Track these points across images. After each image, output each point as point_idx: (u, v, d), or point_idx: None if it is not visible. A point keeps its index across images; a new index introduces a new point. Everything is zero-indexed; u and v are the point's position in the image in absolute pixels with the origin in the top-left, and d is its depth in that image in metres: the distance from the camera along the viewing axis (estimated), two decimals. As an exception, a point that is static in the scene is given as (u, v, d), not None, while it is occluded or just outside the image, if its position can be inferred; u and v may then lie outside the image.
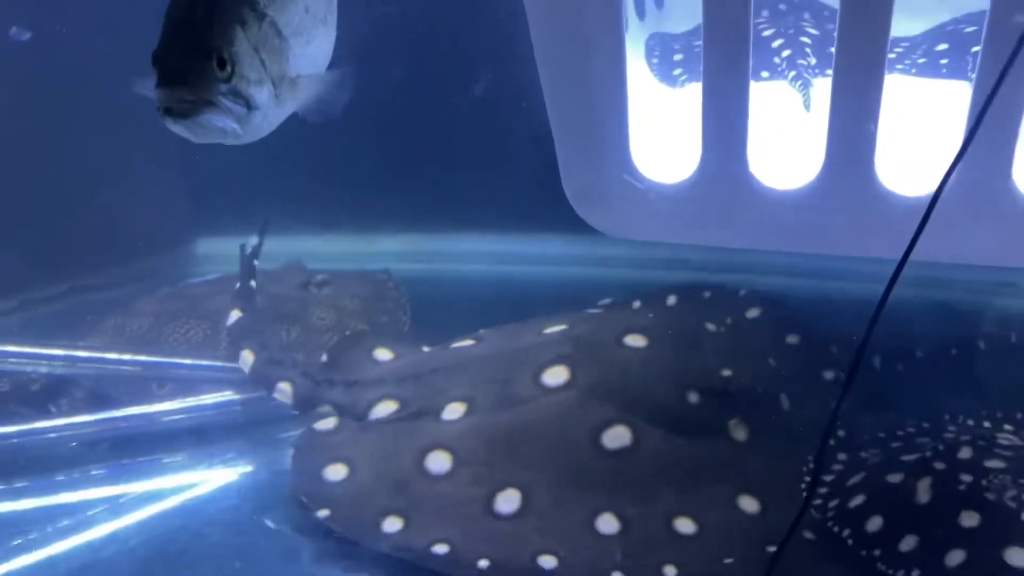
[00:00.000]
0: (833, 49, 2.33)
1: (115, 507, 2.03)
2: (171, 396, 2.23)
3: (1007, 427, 1.70)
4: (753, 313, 1.77)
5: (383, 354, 2.19)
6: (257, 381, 2.11)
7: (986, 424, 1.72)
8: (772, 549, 1.30)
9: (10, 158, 2.62)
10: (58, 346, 2.25)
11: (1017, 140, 1.43)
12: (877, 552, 1.41)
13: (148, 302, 2.54)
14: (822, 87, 2.21)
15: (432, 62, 2.76)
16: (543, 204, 2.17)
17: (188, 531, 1.89)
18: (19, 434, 2.12)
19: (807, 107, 2.06)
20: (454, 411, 1.81)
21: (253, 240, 2.34)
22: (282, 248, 2.94)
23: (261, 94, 1.37)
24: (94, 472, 2.14)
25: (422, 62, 2.76)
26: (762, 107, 1.49)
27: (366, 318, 2.58)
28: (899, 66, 1.99)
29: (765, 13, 2.10)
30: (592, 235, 2.02)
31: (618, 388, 1.74)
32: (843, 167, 1.41)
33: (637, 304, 1.95)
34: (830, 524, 1.48)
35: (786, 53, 2.31)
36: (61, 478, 2.11)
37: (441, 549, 1.55)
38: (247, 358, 2.11)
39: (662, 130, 1.69)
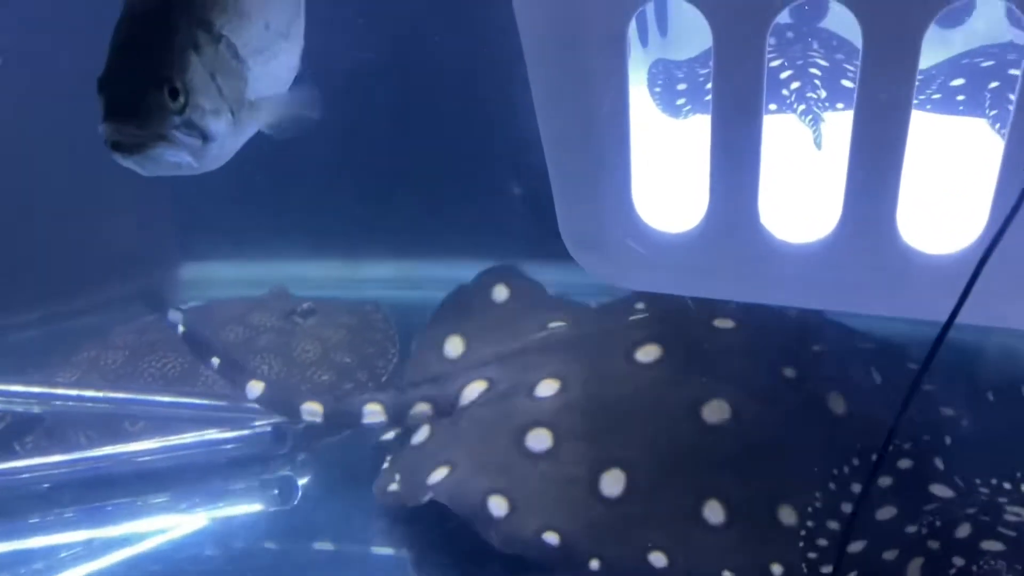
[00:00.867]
0: (845, 82, 2.27)
1: (88, 551, 1.97)
2: (144, 435, 2.13)
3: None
4: None
5: (455, 346, 2.16)
6: (338, 420, 2.04)
7: (1006, 485, 1.63)
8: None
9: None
10: (26, 382, 2.15)
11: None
12: None
13: (125, 333, 2.44)
14: (832, 120, 2.12)
15: (427, 85, 2.68)
16: (538, 231, 2.09)
17: (163, 578, 1.80)
18: (-14, 475, 2.03)
19: (818, 145, 1.96)
20: (548, 387, 1.78)
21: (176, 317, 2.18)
22: (269, 273, 2.86)
23: (218, 123, 1.26)
24: (66, 515, 2.05)
25: (416, 86, 2.68)
26: (771, 146, 1.39)
27: (353, 350, 2.49)
28: (913, 101, 1.89)
29: (772, 42, 1.99)
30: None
31: (713, 364, 1.73)
32: (862, 222, 1.32)
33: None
34: None
35: (795, 85, 2.21)
36: (34, 520, 2.03)
37: (551, 539, 1.55)
38: (314, 408, 2.02)
39: (665, 170, 1.59)
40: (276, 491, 2.11)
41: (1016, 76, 1.28)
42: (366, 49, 2.55)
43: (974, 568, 1.36)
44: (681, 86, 2.38)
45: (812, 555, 1.50)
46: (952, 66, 2.26)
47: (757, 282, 1.42)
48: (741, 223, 1.37)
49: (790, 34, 2.52)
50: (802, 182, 1.64)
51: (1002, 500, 1.54)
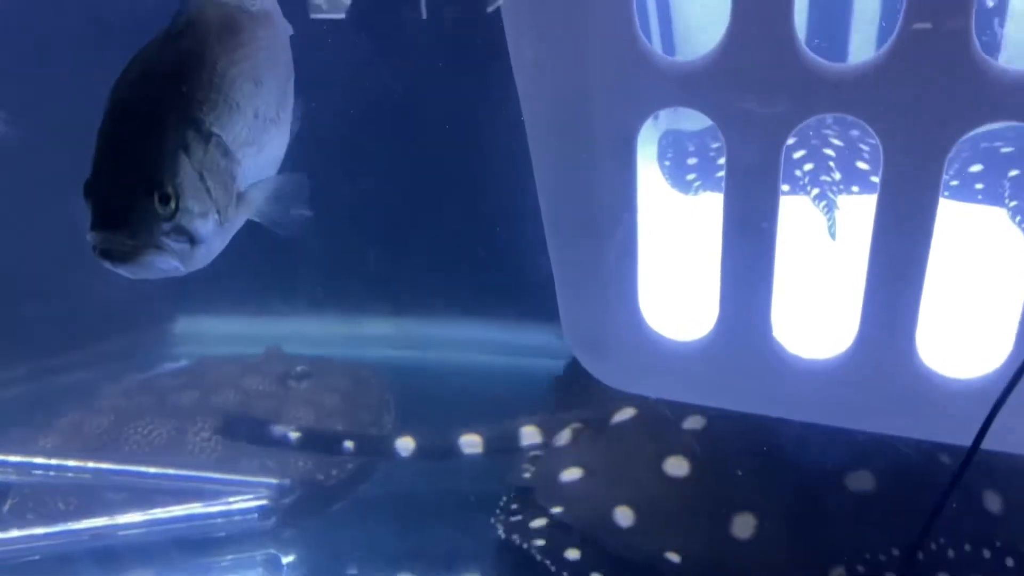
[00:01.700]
0: (860, 164, 2.22)
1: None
2: (127, 506, 2.05)
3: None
4: None
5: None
6: (498, 446, 2.08)
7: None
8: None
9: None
10: (6, 450, 2.08)
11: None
12: None
13: (111, 395, 2.37)
14: (847, 205, 2.07)
15: (430, 145, 2.65)
16: (540, 293, 2.04)
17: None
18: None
19: (832, 235, 1.90)
20: (695, 422, 1.76)
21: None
22: (266, 329, 2.81)
23: (206, 225, 1.19)
24: (43, 590, 1.98)
25: (420, 146, 2.65)
26: (784, 238, 1.33)
27: (347, 417, 2.42)
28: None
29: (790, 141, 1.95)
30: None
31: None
32: (879, 343, 1.26)
33: None
34: None
35: (808, 167, 2.16)
36: (8, 594, 1.96)
37: (674, 558, 1.57)
38: (474, 440, 2.07)
39: (674, 269, 1.53)
40: (260, 569, 2.04)
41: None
42: (369, 106, 2.52)
43: None
44: (691, 160, 2.33)
45: None
46: (971, 149, 2.21)
47: (768, 396, 1.36)
48: (752, 335, 1.31)
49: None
50: (816, 287, 1.57)
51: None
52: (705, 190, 2.19)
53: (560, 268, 1.40)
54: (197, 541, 2.04)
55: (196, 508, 2.07)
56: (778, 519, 1.59)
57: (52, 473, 2.10)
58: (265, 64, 1.33)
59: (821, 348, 1.32)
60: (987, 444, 1.20)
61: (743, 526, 1.58)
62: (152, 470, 2.12)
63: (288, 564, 2.05)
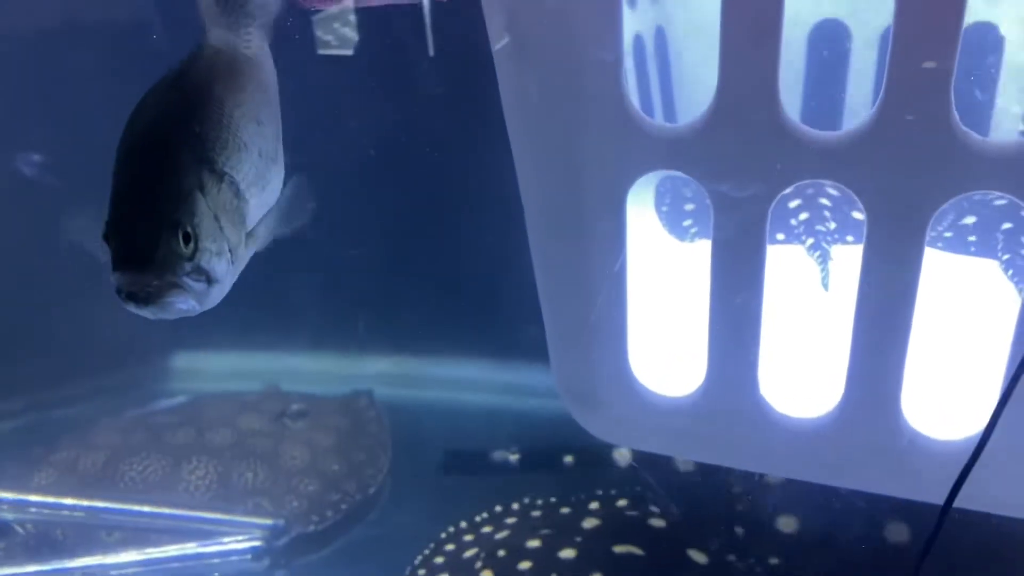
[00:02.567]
0: (855, 214, 2.23)
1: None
2: (121, 546, 2.06)
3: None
4: None
5: None
6: None
7: None
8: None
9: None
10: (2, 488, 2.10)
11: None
12: None
13: (107, 431, 2.38)
14: (840, 255, 2.08)
15: (431, 184, 2.67)
16: (541, 333, 2.05)
17: None
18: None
19: (825, 286, 1.91)
20: None
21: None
22: (264, 366, 2.82)
23: (221, 265, 1.18)
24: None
25: (421, 184, 2.67)
26: (775, 289, 1.34)
27: (342, 457, 2.42)
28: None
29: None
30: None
31: None
32: (865, 403, 1.27)
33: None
34: None
35: (803, 216, 2.17)
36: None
37: None
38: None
39: (665, 324, 1.55)
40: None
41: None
42: (371, 143, 2.55)
43: None
44: (689, 206, 2.34)
45: None
46: (965, 201, 2.22)
47: (754, 453, 1.37)
48: (740, 393, 1.32)
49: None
50: (806, 341, 1.58)
51: None
52: (702, 237, 2.20)
53: (551, 320, 1.42)
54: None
55: (190, 548, 2.08)
56: None
57: (47, 511, 2.11)
58: (263, 104, 1.35)
59: (808, 405, 1.33)
60: (964, 504, 1.21)
61: None
62: (146, 509, 2.12)
63: (281, 606, 2.05)
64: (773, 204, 1.21)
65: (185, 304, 1.16)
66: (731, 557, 1.75)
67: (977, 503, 1.25)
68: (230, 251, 1.22)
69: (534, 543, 1.88)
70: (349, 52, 2.55)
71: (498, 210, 2.43)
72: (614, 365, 1.38)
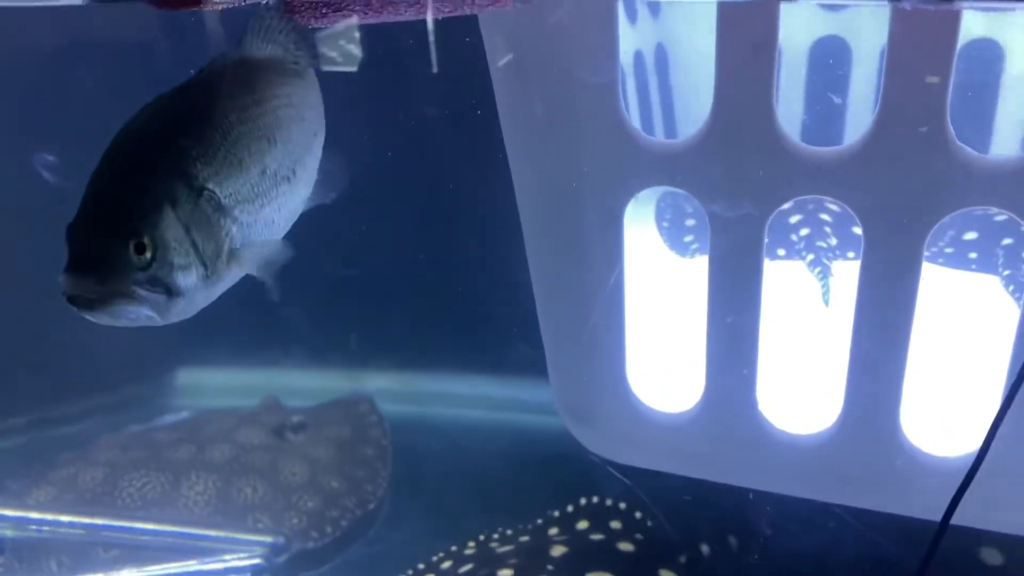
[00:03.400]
0: (856, 229, 2.23)
1: None
2: (119, 563, 2.05)
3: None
4: None
5: None
6: None
7: None
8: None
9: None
10: (2, 505, 2.09)
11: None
12: None
13: (107, 447, 2.36)
14: (841, 271, 2.07)
15: (434, 197, 2.67)
16: (542, 349, 2.04)
17: None
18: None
19: (826, 301, 1.91)
20: None
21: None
22: (266, 382, 2.81)
23: (187, 278, 1.17)
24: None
25: (424, 198, 2.67)
26: (775, 304, 1.34)
27: (341, 473, 2.40)
28: (926, 253, 1.85)
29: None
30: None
31: None
32: (863, 419, 1.26)
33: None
34: None
35: (804, 232, 2.17)
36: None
37: None
38: None
39: (664, 340, 1.54)
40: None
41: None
42: (373, 158, 2.55)
43: None
44: (690, 222, 2.34)
45: None
46: (965, 217, 2.22)
47: (752, 470, 1.36)
48: (738, 410, 1.32)
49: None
50: (805, 356, 1.58)
51: None
52: (703, 253, 2.20)
53: (549, 335, 1.42)
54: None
55: (190, 566, 2.06)
56: None
57: (46, 528, 2.10)
58: (284, 122, 1.34)
59: (807, 422, 1.33)
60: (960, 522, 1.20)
61: None
62: (146, 526, 2.11)
63: (278, 625, 2.04)
64: (770, 220, 1.21)
65: (136, 314, 1.15)
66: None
67: (976, 520, 1.25)
68: (204, 266, 1.22)
69: (505, 573, 1.88)
70: (353, 69, 2.57)
71: (496, 226, 2.44)
72: (612, 381, 1.38)
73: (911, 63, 1.09)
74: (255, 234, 1.33)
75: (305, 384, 2.85)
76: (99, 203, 1.16)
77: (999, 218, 2.19)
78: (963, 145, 1.11)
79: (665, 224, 2.35)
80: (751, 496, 1.59)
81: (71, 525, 2.08)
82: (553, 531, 2.06)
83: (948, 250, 2.12)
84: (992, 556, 1.54)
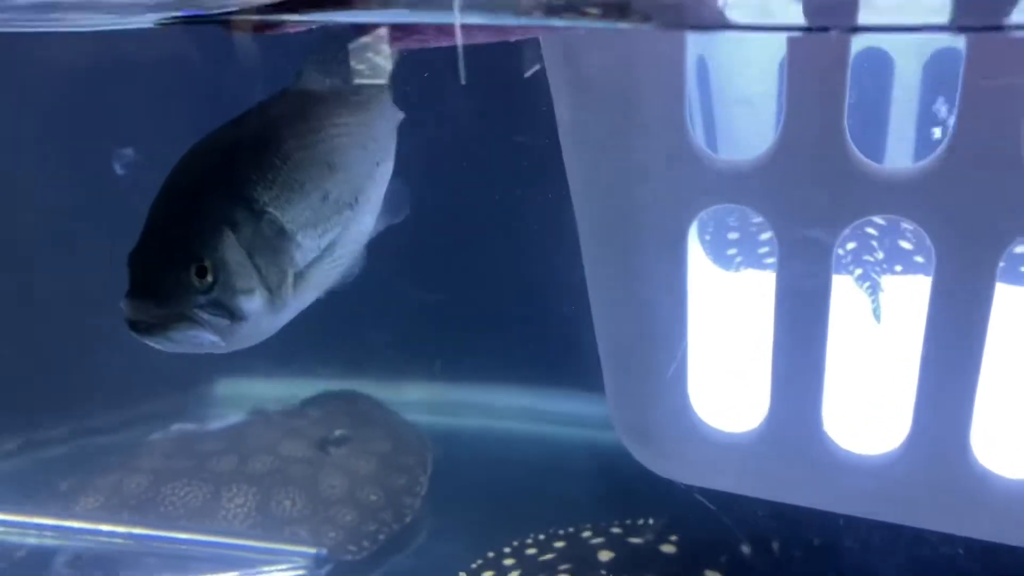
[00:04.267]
0: (903, 243, 2.21)
1: None
2: (158, 572, 2.06)
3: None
4: None
5: None
6: None
7: None
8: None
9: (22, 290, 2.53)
10: (43, 513, 2.10)
11: None
12: None
13: (152, 455, 2.39)
14: (890, 285, 2.05)
15: (470, 210, 2.67)
16: (580, 362, 2.03)
17: None
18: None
19: (877, 317, 1.89)
20: None
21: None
22: (304, 391, 2.81)
23: (251, 302, 1.18)
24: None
25: (460, 211, 2.67)
26: (837, 323, 1.31)
27: (380, 485, 2.39)
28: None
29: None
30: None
31: None
32: (932, 441, 1.24)
33: None
34: None
35: (851, 246, 2.15)
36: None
37: None
38: None
39: (722, 356, 1.53)
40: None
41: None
42: (409, 170, 2.55)
43: None
44: (733, 235, 2.33)
45: None
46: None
47: (818, 491, 1.34)
48: (803, 430, 1.30)
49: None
50: (862, 374, 1.56)
51: None
52: (747, 267, 2.19)
53: (608, 353, 1.41)
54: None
55: (229, 576, 2.07)
56: None
57: (87, 537, 2.11)
58: (343, 149, 1.35)
59: (871, 442, 1.31)
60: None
61: None
62: (186, 536, 2.12)
63: (321, 637, 2.03)
64: (840, 238, 1.19)
65: (200, 338, 1.16)
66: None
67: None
68: (268, 290, 1.22)
69: None
70: (383, 82, 2.58)
71: (535, 237, 2.44)
72: (674, 401, 1.37)
73: (987, 82, 1.08)
74: (319, 259, 1.34)
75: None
76: (159, 229, 1.18)
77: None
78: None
79: (708, 238, 2.33)
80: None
81: (112, 534, 2.09)
82: (586, 534, 2.06)
83: (1022, 268, 2.09)
84: None
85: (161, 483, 2.27)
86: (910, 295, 1.92)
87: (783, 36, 1.20)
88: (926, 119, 2.26)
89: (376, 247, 2.58)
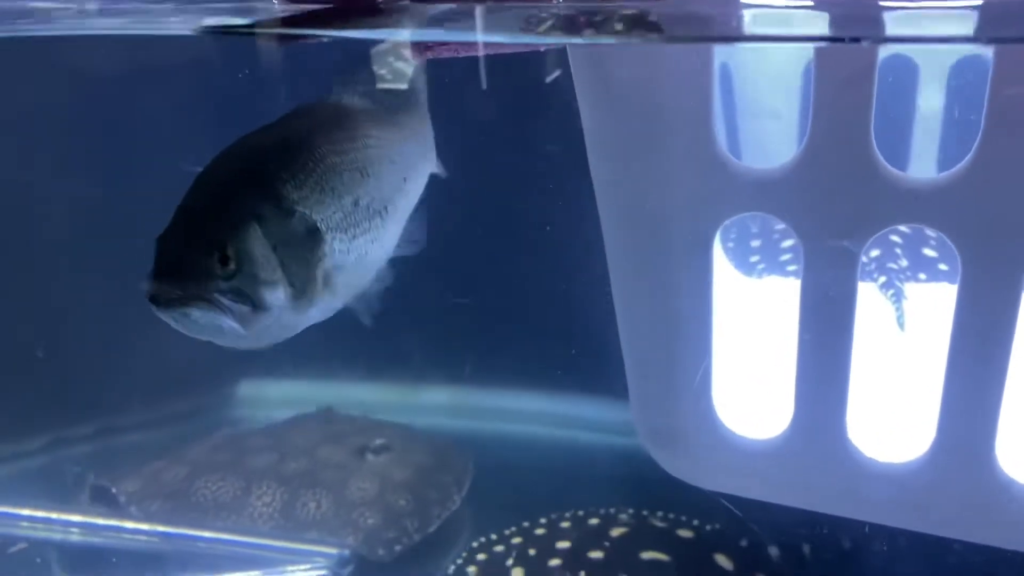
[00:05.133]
0: (927, 251, 2.20)
1: None
2: (183, 571, 2.08)
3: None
4: None
5: None
6: None
7: None
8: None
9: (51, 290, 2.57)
10: (70, 511, 2.14)
11: None
12: None
13: (198, 447, 2.44)
14: (913, 293, 2.05)
15: (493, 214, 2.69)
16: (602, 366, 2.04)
17: None
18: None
19: (901, 325, 1.88)
20: None
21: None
22: (326, 395, 2.84)
23: (273, 294, 1.21)
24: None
25: (483, 215, 2.69)
26: (862, 330, 1.32)
27: (414, 492, 2.37)
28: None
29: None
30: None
31: None
32: (957, 450, 1.24)
33: None
34: None
35: (875, 253, 2.14)
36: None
37: None
38: None
39: (745, 355, 1.53)
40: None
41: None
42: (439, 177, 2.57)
43: None
44: (755, 242, 2.33)
45: None
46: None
47: (842, 498, 1.35)
48: (828, 437, 1.31)
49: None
50: (886, 382, 1.56)
51: None
52: (769, 274, 2.19)
53: (632, 359, 1.42)
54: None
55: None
56: None
57: (111, 535, 2.15)
58: (374, 159, 1.37)
59: (896, 449, 1.31)
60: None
61: None
62: (209, 535, 2.15)
63: (343, 638, 2.05)
64: (865, 246, 1.20)
65: (217, 321, 1.18)
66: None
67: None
68: (293, 286, 1.24)
69: (563, 544, 1.91)
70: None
71: (556, 242, 2.45)
72: (698, 407, 1.38)
73: (1015, 91, 1.08)
74: (349, 263, 1.36)
75: (362, 397, 2.87)
76: (187, 217, 1.21)
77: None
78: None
79: (730, 245, 2.34)
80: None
81: (135, 532, 2.12)
82: (594, 521, 2.10)
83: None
84: None
85: (197, 475, 2.30)
86: (934, 303, 1.92)
87: (808, 45, 1.21)
88: (951, 128, 2.25)
89: (402, 253, 2.60)
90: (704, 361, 1.26)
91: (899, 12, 1.07)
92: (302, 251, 1.26)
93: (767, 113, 2.13)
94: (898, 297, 1.97)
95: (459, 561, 2.07)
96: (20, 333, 2.57)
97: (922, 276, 2.13)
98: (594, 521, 2.11)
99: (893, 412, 1.41)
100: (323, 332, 2.86)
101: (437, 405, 2.84)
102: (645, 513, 2.09)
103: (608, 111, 1.27)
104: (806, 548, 1.62)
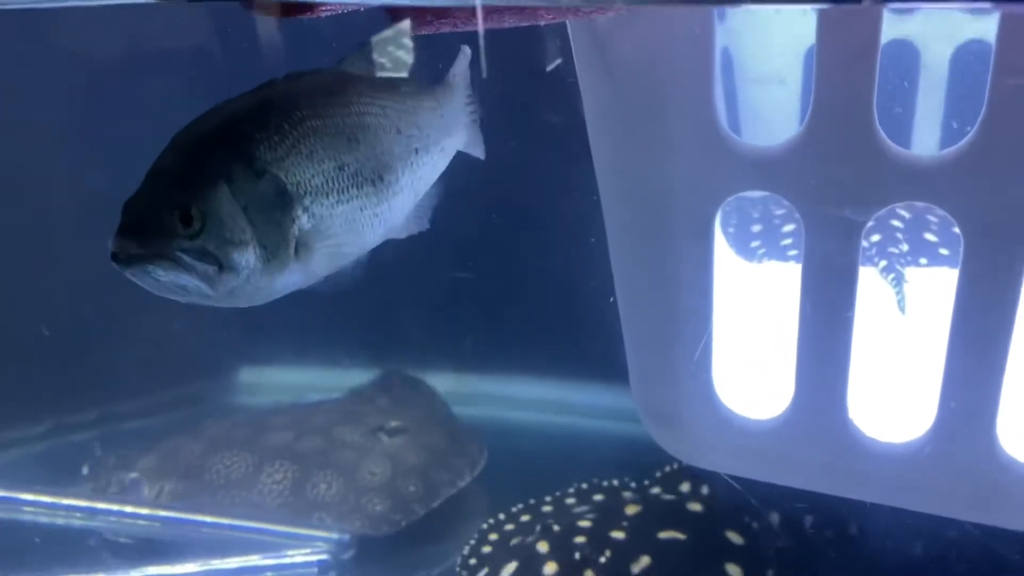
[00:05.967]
0: (928, 236, 2.19)
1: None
2: (184, 556, 2.09)
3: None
4: None
5: None
6: None
7: None
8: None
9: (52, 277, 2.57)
10: (76, 495, 2.14)
11: None
12: None
13: (218, 423, 2.47)
14: (914, 278, 2.04)
15: (497, 200, 2.68)
16: (601, 353, 2.04)
17: None
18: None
19: (902, 309, 1.88)
20: None
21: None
22: (326, 382, 2.84)
23: (241, 256, 1.19)
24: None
25: (487, 202, 2.68)
26: (863, 311, 1.31)
27: (423, 477, 2.36)
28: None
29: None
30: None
31: None
32: (958, 430, 1.24)
33: None
34: None
35: (876, 238, 2.14)
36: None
37: None
38: None
39: (745, 337, 1.53)
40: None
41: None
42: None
43: None
44: (756, 227, 2.32)
45: None
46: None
47: (842, 479, 1.34)
48: (828, 417, 1.31)
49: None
50: (887, 364, 1.55)
51: None
52: (770, 258, 2.18)
53: (632, 340, 1.42)
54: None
55: (254, 560, 2.09)
56: None
57: (113, 519, 2.15)
58: (370, 127, 1.35)
59: (897, 430, 1.31)
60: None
61: None
62: (209, 519, 2.15)
63: (346, 620, 2.05)
64: (867, 225, 1.20)
65: (178, 279, 1.17)
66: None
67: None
68: (264, 247, 1.23)
69: (584, 523, 1.92)
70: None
71: (561, 228, 2.44)
72: (698, 387, 1.37)
73: (1018, 64, 1.07)
74: (331, 230, 1.34)
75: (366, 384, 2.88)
76: (155, 178, 1.21)
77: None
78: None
79: (731, 230, 2.33)
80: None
81: (135, 516, 2.13)
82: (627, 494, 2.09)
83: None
84: None
85: (213, 451, 2.32)
86: (935, 287, 1.92)
87: (809, 19, 1.20)
88: (953, 109, 2.24)
89: (402, 239, 2.59)
90: (704, 337, 1.25)
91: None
92: (274, 213, 1.24)
93: (769, 88, 2.12)
94: (898, 281, 1.96)
95: (471, 542, 2.07)
96: (23, 320, 2.57)
97: (923, 261, 2.12)
98: (599, 496, 2.12)
99: (894, 392, 1.41)
100: (324, 319, 2.88)
101: (439, 392, 2.84)
102: (647, 483, 2.09)
103: (609, 87, 1.27)
104: (807, 520, 1.62)
